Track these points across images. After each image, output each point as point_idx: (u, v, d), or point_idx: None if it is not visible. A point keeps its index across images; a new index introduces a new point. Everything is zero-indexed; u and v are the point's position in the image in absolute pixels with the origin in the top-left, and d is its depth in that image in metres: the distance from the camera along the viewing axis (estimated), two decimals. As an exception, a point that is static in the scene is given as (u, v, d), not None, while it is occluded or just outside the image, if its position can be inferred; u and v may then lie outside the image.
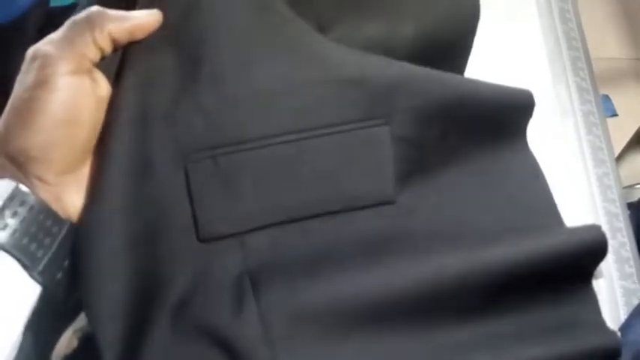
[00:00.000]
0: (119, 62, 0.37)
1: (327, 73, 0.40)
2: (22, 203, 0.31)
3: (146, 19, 0.36)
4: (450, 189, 0.41)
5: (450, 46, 0.45)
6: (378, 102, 0.40)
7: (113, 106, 0.37)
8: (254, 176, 0.38)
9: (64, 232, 0.35)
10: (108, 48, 0.34)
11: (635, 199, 0.71)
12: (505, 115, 0.42)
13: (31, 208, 0.32)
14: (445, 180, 0.41)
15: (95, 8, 0.35)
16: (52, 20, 0.49)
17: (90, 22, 0.33)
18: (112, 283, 0.36)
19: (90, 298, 0.36)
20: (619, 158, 0.82)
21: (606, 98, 1.07)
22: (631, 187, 0.89)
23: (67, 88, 0.32)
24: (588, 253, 0.37)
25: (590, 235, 0.36)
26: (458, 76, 0.43)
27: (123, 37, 0.35)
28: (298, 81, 0.40)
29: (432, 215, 0.40)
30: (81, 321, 0.38)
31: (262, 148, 0.39)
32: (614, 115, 1.06)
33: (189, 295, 0.38)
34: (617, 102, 1.08)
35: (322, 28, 0.42)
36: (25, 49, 0.35)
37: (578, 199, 0.42)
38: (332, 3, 0.43)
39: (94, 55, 0.34)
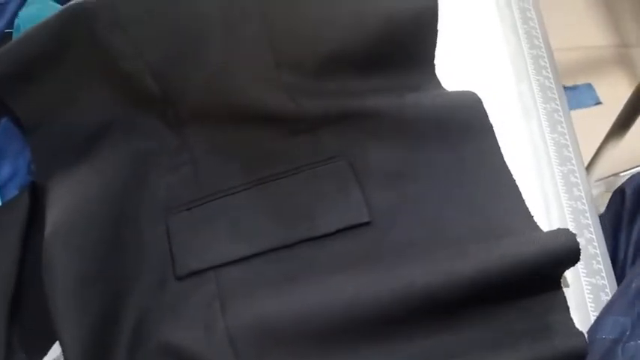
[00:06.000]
0: None
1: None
2: None
3: None
4: (423, 202, 0.41)
5: (410, 41, 0.45)
6: (325, 149, 0.43)
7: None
8: (223, 219, 0.42)
9: None
10: None
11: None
12: (457, 119, 0.42)
13: None
14: (417, 194, 0.42)
15: None
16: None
17: None
18: (75, 311, 0.37)
19: (58, 327, 0.36)
20: (602, 146, 0.81)
21: (589, 87, 1.07)
22: (616, 174, 0.89)
23: None
24: (559, 259, 0.37)
25: (561, 241, 0.36)
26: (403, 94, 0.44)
27: None
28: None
29: (405, 231, 0.41)
30: (54, 352, 0.39)
31: (227, 195, 0.43)
32: (598, 103, 1.06)
33: (158, 321, 0.38)
34: (601, 90, 1.08)
35: (278, 57, 0.43)
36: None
37: (544, 198, 0.43)
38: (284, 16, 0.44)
39: None
